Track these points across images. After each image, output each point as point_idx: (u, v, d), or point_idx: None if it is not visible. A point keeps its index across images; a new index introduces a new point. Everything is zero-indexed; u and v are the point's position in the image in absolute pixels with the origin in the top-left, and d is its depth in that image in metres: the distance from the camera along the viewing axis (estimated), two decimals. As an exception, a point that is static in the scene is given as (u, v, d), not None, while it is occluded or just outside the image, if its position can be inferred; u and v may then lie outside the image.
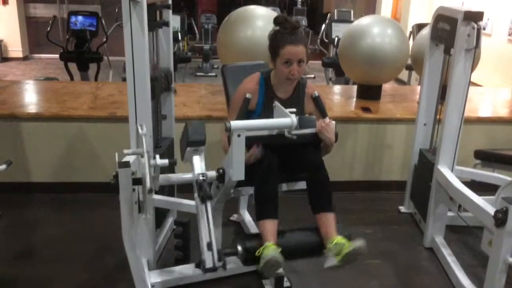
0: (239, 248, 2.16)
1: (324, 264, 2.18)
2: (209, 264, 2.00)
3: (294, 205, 2.63)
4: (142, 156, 2.06)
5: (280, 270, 2.15)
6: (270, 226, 2.17)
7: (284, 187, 2.47)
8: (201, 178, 2.09)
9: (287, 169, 2.35)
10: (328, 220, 2.22)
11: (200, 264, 2.04)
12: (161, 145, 2.83)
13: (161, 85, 2.72)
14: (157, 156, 2.13)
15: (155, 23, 2.61)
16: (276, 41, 2.32)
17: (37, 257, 2.83)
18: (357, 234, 3.12)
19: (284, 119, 2.11)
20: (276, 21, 2.35)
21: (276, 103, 2.32)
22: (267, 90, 2.43)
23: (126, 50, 2.23)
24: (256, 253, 2.10)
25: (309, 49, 2.38)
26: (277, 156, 2.27)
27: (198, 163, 2.19)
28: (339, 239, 2.15)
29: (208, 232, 2.03)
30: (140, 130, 2.18)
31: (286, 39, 2.28)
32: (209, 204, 2.07)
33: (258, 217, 2.22)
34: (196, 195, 2.11)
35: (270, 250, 2.06)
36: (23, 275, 2.65)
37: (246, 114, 2.39)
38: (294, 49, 2.28)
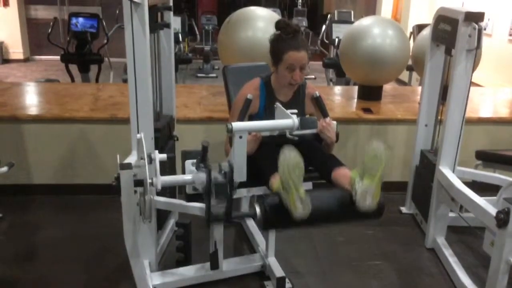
0: (257, 208, 2.02)
1: (356, 200, 1.94)
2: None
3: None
4: (143, 158, 2.07)
5: (303, 194, 1.88)
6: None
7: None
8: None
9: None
10: (346, 172, 2.12)
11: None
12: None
13: (164, 135, 2.72)
14: (156, 152, 2.13)
15: (156, 25, 2.61)
16: (278, 46, 2.31)
17: (39, 259, 2.84)
18: (358, 235, 3.16)
19: (285, 120, 2.11)
20: (277, 25, 2.34)
21: (277, 104, 2.32)
22: (268, 94, 2.44)
23: (128, 52, 2.24)
24: (273, 187, 1.99)
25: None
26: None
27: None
28: (356, 169, 2.01)
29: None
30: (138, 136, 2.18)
31: (288, 45, 2.27)
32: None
33: (268, 175, 2.11)
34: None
35: (283, 151, 1.90)
36: (25, 276, 2.65)
37: (248, 118, 2.39)
38: (297, 55, 2.28)
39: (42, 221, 3.25)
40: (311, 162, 2.31)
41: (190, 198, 2.40)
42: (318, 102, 2.47)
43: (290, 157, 1.88)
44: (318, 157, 2.29)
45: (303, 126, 2.10)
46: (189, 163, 2.26)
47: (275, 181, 2.01)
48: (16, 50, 9.93)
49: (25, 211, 3.37)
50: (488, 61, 5.60)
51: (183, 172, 2.27)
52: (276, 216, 1.98)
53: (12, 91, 4.09)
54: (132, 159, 2.33)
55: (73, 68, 6.43)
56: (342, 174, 2.11)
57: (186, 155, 2.25)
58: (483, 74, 5.52)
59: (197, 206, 2.35)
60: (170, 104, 2.94)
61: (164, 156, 2.15)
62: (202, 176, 2.07)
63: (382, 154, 1.91)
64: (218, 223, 2.34)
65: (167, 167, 2.81)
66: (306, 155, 2.29)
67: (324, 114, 2.44)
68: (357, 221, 2.14)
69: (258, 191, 2.42)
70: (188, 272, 2.59)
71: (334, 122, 2.33)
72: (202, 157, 2.13)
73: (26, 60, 10.06)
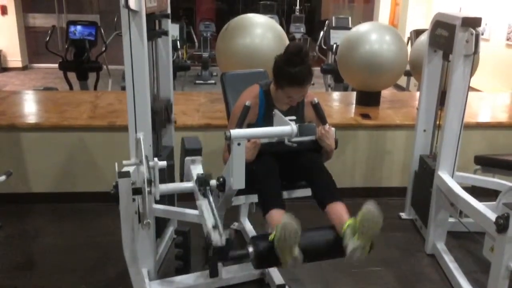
0: (250, 249, 2.02)
1: (346, 254, 1.97)
2: (216, 242, 1.89)
3: (295, 212, 2.62)
4: (141, 162, 2.06)
5: (297, 253, 1.91)
6: (278, 215, 2.05)
7: (285, 194, 2.45)
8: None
9: (288, 176, 2.35)
10: (340, 209, 2.12)
11: (208, 248, 1.96)
12: (161, 154, 2.83)
13: (161, 117, 2.72)
14: (156, 159, 2.13)
15: (154, 33, 2.61)
16: (282, 75, 2.25)
17: (38, 268, 2.82)
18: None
19: (284, 127, 2.11)
20: (287, 50, 2.28)
21: (276, 111, 2.32)
22: (267, 102, 2.43)
23: (126, 60, 2.24)
24: (269, 238, 1.98)
25: (313, 78, 2.34)
26: (277, 163, 2.27)
27: (196, 170, 2.19)
28: (350, 220, 2.02)
29: (212, 214, 1.98)
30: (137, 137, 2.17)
31: (292, 79, 2.23)
32: (210, 196, 2.05)
33: (265, 210, 2.13)
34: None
35: (283, 219, 1.92)
36: (23, 285, 2.64)
37: (247, 126, 2.38)
38: (299, 90, 2.28)
39: (41, 230, 3.24)
40: (310, 182, 2.28)
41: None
42: (317, 109, 2.47)
43: (289, 227, 1.89)
44: (317, 182, 2.23)
45: (302, 133, 2.10)
46: (188, 161, 2.23)
47: (272, 222, 2.04)
48: (15, 58, 9.94)
49: (23, 220, 3.36)
50: (486, 66, 5.62)
51: (181, 159, 2.25)
52: (268, 260, 2.02)
53: (10, 99, 4.09)
54: (130, 167, 2.32)
55: (72, 76, 6.44)
56: (336, 215, 2.10)
57: (186, 152, 2.22)
58: (481, 78, 5.53)
59: (196, 214, 2.34)
60: (167, 89, 2.93)
61: (164, 163, 2.15)
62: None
63: (377, 218, 1.96)
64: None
65: (166, 174, 2.80)
66: (305, 174, 2.29)
67: (323, 121, 2.44)
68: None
69: (256, 198, 2.41)
70: (187, 280, 2.57)
71: (333, 129, 2.33)
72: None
73: (24, 68, 10.07)
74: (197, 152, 2.23)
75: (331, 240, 2.07)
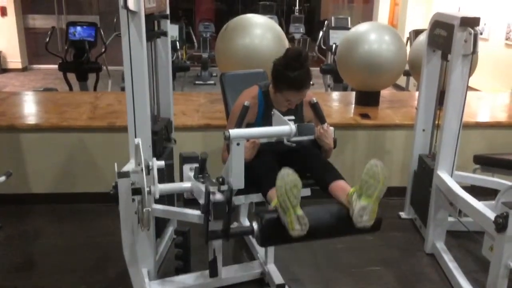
0: (254, 225, 2.02)
1: (353, 218, 1.96)
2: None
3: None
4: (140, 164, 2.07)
5: (301, 212, 1.88)
6: None
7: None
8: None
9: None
10: (343, 184, 2.15)
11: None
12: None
13: (161, 138, 2.73)
14: (154, 159, 2.13)
15: (153, 33, 2.62)
16: (281, 79, 2.26)
17: (38, 268, 2.82)
18: (358, 241, 3.15)
19: (283, 127, 2.11)
20: (286, 53, 2.28)
21: (275, 111, 2.32)
22: (266, 103, 2.43)
23: (125, 60, 2.24)
24: (272, 204, 2.01)
25: (311, 82, 2.36)
26: (277, 163, 2.28)
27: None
28: (355, 187, 2.02)
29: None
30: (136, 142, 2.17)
31: (291, 83, 2.23)
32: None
33: (265, 189, 2.14)
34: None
35: (281, 171, 1.91)
36: (23, 286, 2.64)
37: (246, 127, 2.39)
38: (298, 94, 2.29)
39: (41, 231, 3.24)
40: (309, 170, 2.31)
41: (188, 203, 2.40)
42: (316, 108, 2.47)
43: (288, 178, 1.88)
44: (317, 166, 2.28)
45: (301, 133, 2.10)
46: (187, 168, 2.25)
47: (273, 197, 2.03)
48: (14, 59, 9.94)
49: (23, 220, 3.36)
50: (485, 65, 5.62)
51: (181, 176, 2.27)
52: (274, 233, 1.99)
53: (10, 100, 4.10)
54: (130, 167, 2.33)
55: (71, 77, 6.44)
56: (339, 188, 2.13)
57: (184, 160, 2.25)
58: (479, 78, 5.53)
59: (195, 214, 2.35)
60: (168, 112, 2.94)
61: (162, 163, 2.15)
62: (202, 189, 2.08)
63: (380, 173, 1.93)
64: (217, 240, 2.33)
65: (166, 174, 2.80)
66: (304, 162, 2.30)
67: (322, 120, 2.44)
68: (355, 235, 2.14)
69: (256, 198, 2.42)
70: (187, 280, 2.58)
71: (332, 128, 2.34)
72: (200, 169, 2.14)
73: (24, 69, 10.07)
74: (194, 159, 2.25)
75: (338, 213, 2.05)
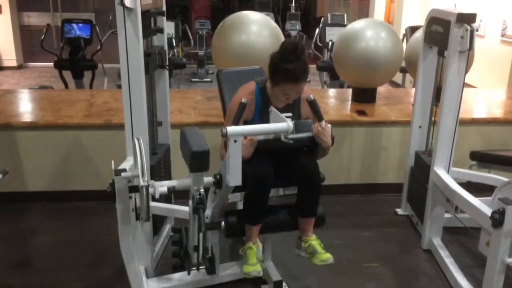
0: (223, 223, 2.32)
1: (295, 250, 2.44)
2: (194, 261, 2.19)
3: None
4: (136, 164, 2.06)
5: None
6: (255, 230, 2.33)
7: (281, 191, 2.46)
8: (197, 196, 2.06)
9: (283, 173, 2.35)
10: (309, 223, 2.39)
11: (186, 264, 2.25)
12: (157, 152, 2.83)
13: (154, 61, 2.68)
14: (156, 184, 2.08)
15: (150, 30, 2.61)
16: (278, 73, 2.24)
17: (34, 266, 2.82)
18: (354, 237, 3.16)
19: (280, 124, 2.11)
20: (283, 46, 2.27)
21: (272, 108, 2.32)
22: (263, 99, 2.42)
23: (121, 57, 2.24)
24: (240, 251, 2.35)
25: (309, 75, 2.34)
26: (273, 163, 2.27)
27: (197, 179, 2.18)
28: (313, 241, 2.36)
29: (197, 236, 2.13)
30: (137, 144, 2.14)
31: (288, 76, 2.21)
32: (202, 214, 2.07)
33: (246, 220, 2.34)
34: (190, 203, 2.11)
35: (251, 260, 2.28)
36: (20, 284, 2.64)
37: (243, 123, 2.38)
38: (295, 87, 2.26)
39: (38, 229, 3.23)
40: (301, 187, 2.37)
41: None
42: (313, 106, 2.46)
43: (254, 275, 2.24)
44: (306, 193, 2.36)
45: (298, 130, 2.10)
46: None
47: (250, 236, 2.34)
48: (9, 57, 9.90)
49: (20, 218, 3.36)
50: (481, 62, 5.63)
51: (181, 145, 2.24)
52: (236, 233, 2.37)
53: (5, 98, 4.08)
54: (127, 164, 2.32)
55: (67, 74, 6.42)
56: (306, 225, 2.40)
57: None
58: (475, 75, 5.55)
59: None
60: (164, 109, 2.94)
61: (164, 189, 2.10)
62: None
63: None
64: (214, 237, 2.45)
65: (163, 172, 2.80)
66: (299, 177, 2.34)
67: (319, 117, 2.43)
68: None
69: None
70: (185, 277, 2.57)
71: (329, 126, 2.33)
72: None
73: (19, 67, 10.03)
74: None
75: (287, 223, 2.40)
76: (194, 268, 2.27)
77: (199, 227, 2.05)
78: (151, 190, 2.03)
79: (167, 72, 2.89)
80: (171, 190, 2.10)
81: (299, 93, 2.32)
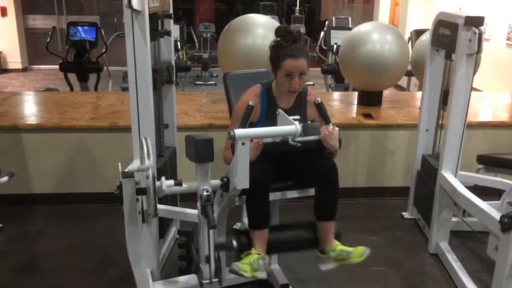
0: (234, 243, 2.25)
1: (321, 266, 2.29)
2: (206, 276, 2.14)
3: (294, 212, 2.62)
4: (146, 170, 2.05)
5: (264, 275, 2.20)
6: (257, 235, 2.25)
7: (287, 194, 2.44)
8: (205, 193, 2.07)
9: (293, 176, 2.34)
10: (330, 228, 2.29)
11: (198, 272, 2.18)
12: (164, 155, 2.83)
13: (162, 76, 2.70)
14: (163, 178, 2.10)
15: (157, 33, 2.61)
16: (277, 53, 2.29)
17: (40, 269, 2.82)
18: (361, 241, 3.13)
19: (288, 127, 2.10)
20: (277, 32, 2.32)
21: (280, 111, 2.31)
22: (269, 101, 2.42)
23: (129, 59, 2.23)
24: (241, 255, 2.24)
25: (309, 57, 2.36)
26: (274, 165, 2.27)
27: (204, 176, 2.17)
28: (338, 245, 2.25)
29: (208, 245, 2.10)
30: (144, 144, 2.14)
31: (287, 52, 2.25)
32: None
33: (250, 225, 2.29)
34: (198, 204, 2.11)
35: (253, 263, 2.16)
36: (26, 286, 2.63)
37: (249, 125, 2.37)
38: (295, 62, 2.26)
39: (43, 231, 3.23)
40: (319, 188, 2.32)
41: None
42: (320, 109, 2.46)
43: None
44: (325, 195, 2.30)
45: (306, 133, 2.09)
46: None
47: (253, 245, 2.25)
48: (15, 59, 9.94)
49: (25, 221, 3.35)
50: (486, 65, 5.60)
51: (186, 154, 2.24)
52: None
53: (11, 100, 4.09)
54: (133, 167, 2.31)
55: (72, 77, 6.43)
56: (327, 230, 2.29)
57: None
58: (481, 78, 5.53)
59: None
60: (170, 112, 2.93)
61: (171, 183, 2.11)
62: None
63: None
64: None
65: (169, 173, 2.79)
66: (319, 176, 2.30)
67: (326, 120, 2.42)
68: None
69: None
70: (191, 280, 2.57)
71: (337, 129, 2.31)
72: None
73: (24, 69, 10.07)
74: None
75: (307, 241, 2.32)
76: (208, 281, 2.18)
77: (208, 223, 2.02)
78: (158, 183, 2.03)
79: (174, 74, 2.89)
80: (177, 183, 2.11)
81: (302, 72, 2.28)
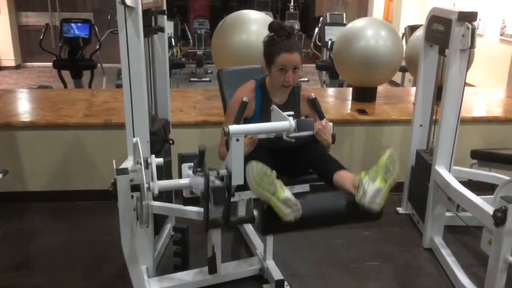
0: (255, 214, 2.09)
1: (365, 201, 1.97)
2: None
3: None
4: (139, 162, 2.05)
5: (283, 196, 1.92)
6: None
7: (307, 187, 2.44)
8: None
9: (287, 171, 2.35)
10: (348, 174, 2.16)
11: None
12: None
13: (160, 138, 2.71)
14: (153, 156, 2.12)
15: (151, 29, 2.60)
16: (271, 48, 2.31)
17: (35, 267, 2.81)
18: (356, 236, 3.16)
19: (282, 123, 2.10)
20: (270, 27, 2.34)
21: (274, 107, 2.32)
22: (263, 96, 2.43)
23: (122, 56, 2.23)
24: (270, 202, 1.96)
25: (302, 52, 2.37)
26: (274, 159, 2.27)
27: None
28: (365, 172, 2.05)
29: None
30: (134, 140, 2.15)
31: (280, 47, 2.27)
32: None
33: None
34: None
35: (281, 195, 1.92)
36: (21, 285, 2.63)
37: (244, 120, 2.38)
38: (289, 56, 2.28)
39: (37, 229, 3.22)
40: (311, 165, 2.32)
41: (187, 201, 2.40)
42: (314, 104, 2.47)
43: (253, 170, 1.92)
44: (319, 160, 2.30)
45: (300, 128, 2.10)
46: (185, 166, 2.24)
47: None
48: (8, 57, 9.88)
49: (19, 218, 3.34)
50: (480, 61, 5.62)
51: (180, 176, 2.26)
52: (274, 221, 1.97)
53: (5, 98, 4.07)
54: (128, 164, 2.31)
55: (66, 74, 6.40)
56: (344, 177, 2.15)
57: (182, 159, 2.24)
58: (474, 74, 5.56)
59: (194, 211, 2.34)
60: (165, 109, 2.93)
61: (160, 160, 2.15)
62: (200, 180, 2.08)
63: (397, 163, 2.09)
64: (216, 228, 2.33)
65: (164, 172, 2.79)
66: (305, 158, 2.30)
67: (320, 116, 2.44)
68: (356, 223, 2.16)
69: (254, 194, 2.42)
70: (186, 277, 2.57)
71: (330, 124, 2.33)
72: (199, 161, 2.13)
73: (17, 67, 10.01)
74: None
75: (340, 199, 2.08)
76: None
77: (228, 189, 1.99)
78: (151, 184, 2.05)
79: (167, 72, 2.88)
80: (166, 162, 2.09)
81: (295, 66, 2.29)
